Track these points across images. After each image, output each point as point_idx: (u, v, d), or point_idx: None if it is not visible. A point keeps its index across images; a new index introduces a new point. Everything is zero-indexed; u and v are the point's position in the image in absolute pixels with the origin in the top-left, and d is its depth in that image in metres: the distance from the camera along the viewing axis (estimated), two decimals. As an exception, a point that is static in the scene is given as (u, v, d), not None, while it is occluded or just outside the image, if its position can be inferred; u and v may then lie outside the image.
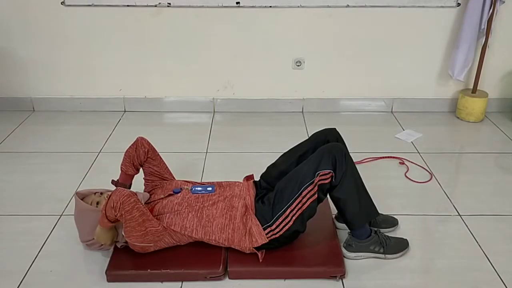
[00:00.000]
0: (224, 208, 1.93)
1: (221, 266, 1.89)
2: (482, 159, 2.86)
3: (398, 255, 2.03)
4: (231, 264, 1.92)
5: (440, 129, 3.28)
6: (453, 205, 2.40)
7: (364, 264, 1.99)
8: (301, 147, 2.09)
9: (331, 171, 1.84)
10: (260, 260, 1.91)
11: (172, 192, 2.03)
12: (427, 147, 2.99)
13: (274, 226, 1.87)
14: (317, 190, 1.86)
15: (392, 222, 2.17)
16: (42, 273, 1.95)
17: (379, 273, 1.96)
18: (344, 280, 1.91)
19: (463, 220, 2.28)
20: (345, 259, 1.97)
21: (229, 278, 1.91)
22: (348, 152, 1.93)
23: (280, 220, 1.87)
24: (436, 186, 2.57)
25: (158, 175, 2.15)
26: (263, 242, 1.88)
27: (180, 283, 1.89)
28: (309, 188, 1.84)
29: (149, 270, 1.88)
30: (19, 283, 1.90)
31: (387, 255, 2.01)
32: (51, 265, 1.99)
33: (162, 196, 2.01)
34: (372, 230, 2.03)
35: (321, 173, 1.84)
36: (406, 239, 2.08)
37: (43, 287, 1.89)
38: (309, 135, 2.12)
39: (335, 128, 2.09)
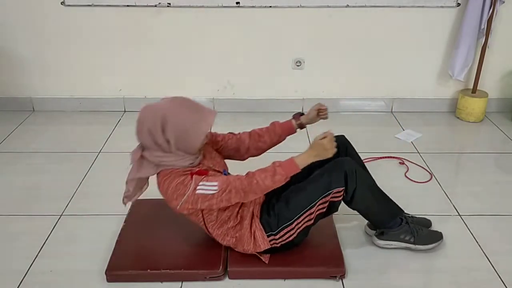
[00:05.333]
0: (238, 207, 1.88)
1: (221, 266, 1.89)
2: (482, 159, 2.86)
3: (429, 246, 2.04)
4: (231, 264, 1.92)
5: (440, 129, 3.28)
6: (453, 205, 2.39)
7: (364, 264, 1.99)
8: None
9: (343, 188, 1.84)
10: (266, 262, 1.90)
11: (221, 171, 1.89)
12: (427, 147, 2.98)
13: (277, 236, 1.86)
14: (327, 206, 1.86)
15: (425, 223, 2.16)
16: (42, 273, 1.95)
17: (379, 273, 1.96)
18: (344, 280, 1.91)
19: (463, 220, 2.28)
20: (346, 259, 1.96)
21: (229, 278, 1.91)
22: (356, 162, 1.93)
23: (284, 231, 1.86)
24: (436, 186, 2.57)
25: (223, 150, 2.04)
26: (266, 248, 1.87)
27: (180, 283, 1.89)
28: (318, 203, 1.84)
29: (149, 270, 1.89)
30: (19, 283, 1.90)
31: (417, 245, 2.02)
32: (51, 265, 1.98)
33: (211, 166, 1.87)
34: (403, 220, 2.03)
35: (334, 191, 1.83)
36: (440, 232, 2.09)
37: (43, 287, 1.89)
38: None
39: (343, 135, 2.07)
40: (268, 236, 1.86)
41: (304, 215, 1.84)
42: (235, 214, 1.87)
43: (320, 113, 2.00)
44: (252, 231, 1.87)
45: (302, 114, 2.04)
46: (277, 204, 1.88)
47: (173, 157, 1.74)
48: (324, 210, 1.87)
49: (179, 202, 1.72)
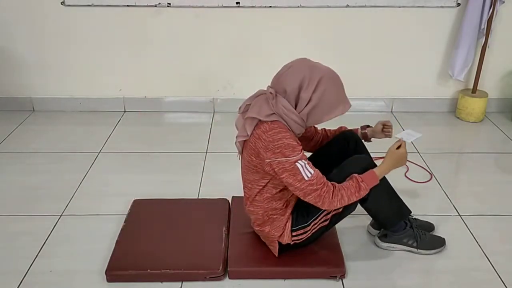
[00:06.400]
0: (290, 195, 1.86)
1: (221, 266, 1.90)
2: (482, 159, 2.86)
3: (431, 251, 2.04)
4: (231, 264, 1.92)
5: (440, 129, 3.28)
6: (453, 205, 2.39)
7: (364, 264, 2.00)
8: (325, 152, 2.06)
9: None
10: (276, 255, 1.91)
11: None
12: (427, 147, 2.98)
13: (294, 233, 1.87)
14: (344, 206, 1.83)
15: (428, 227, 2.16)
16: (42, 273, 1.95)
17: (379, 273, 1.96)
18: (344, 280, 1.91)
19: (463, 220, 2.28)
20: (346, 259, 1.96)
21: (229, 278, 1.91)
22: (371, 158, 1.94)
23: (301, 231, 1.86)
24: (436, 186, 2.57)
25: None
26: (287, 242, 1.88)
27: (180, 283, 1.89)
28: None
29: (149, 270, 1.89)
30: (19, 283, 1.90)
31: (419, 250, 2.03)
32: (51, 265, 1.99)
33: None
34: (408, 224, 2.04)
35: None
36: (443, 238, 2.09)
37: (43, 287, 1.89)
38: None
39: (352, 131, 2.08)
40: (290, 231, 1.87)
41: (321, 216, 1.83)
42: (284, 199, 1.85)
43: (385, 129, 2.04)
44: (287, 221, 1.87)
45: (369, 126, 2.08)
46: (299, 202, 1.87)
47: (295, 117, 1.70)
48: (340, 210, 1.84)
49: (274, 158, 1.67)
